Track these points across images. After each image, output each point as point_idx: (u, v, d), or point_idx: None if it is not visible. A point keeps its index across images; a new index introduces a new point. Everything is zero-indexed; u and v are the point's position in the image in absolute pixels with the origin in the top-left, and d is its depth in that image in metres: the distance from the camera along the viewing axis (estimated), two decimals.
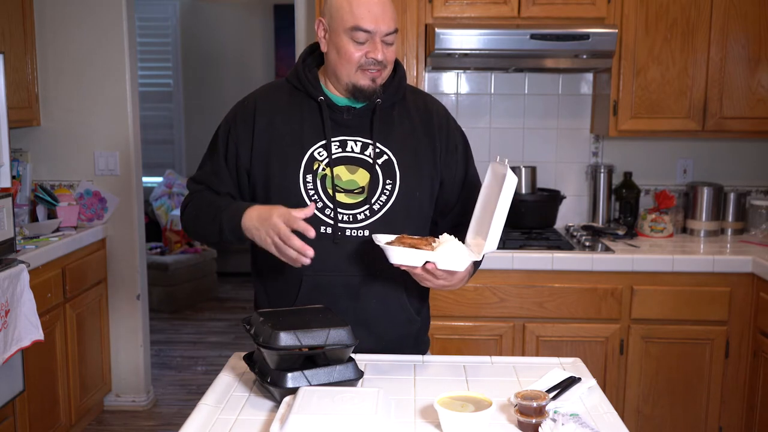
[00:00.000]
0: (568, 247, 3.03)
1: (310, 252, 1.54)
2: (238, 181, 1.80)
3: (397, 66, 1.82)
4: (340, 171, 1.73)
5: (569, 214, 3.53)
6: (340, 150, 1.74)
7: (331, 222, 1.72)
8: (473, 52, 2.97)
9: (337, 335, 1.49)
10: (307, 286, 1.74)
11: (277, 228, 1.57)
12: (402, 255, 1.55)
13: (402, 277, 1.73)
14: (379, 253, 1.65)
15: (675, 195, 3.39)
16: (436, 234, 1.75)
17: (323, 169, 1.72)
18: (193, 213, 1.80)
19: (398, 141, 1.76)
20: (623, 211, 3.44)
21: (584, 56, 3.02)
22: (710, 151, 3.49)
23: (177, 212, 6.12)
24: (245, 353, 1.67)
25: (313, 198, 1.72)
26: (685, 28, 3.10)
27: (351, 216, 1.72)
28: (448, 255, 1.55)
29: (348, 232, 1.72)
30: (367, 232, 1.72)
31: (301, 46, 3.72)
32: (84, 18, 3.55)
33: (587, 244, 3.10)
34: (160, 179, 6.61)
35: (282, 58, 6.96)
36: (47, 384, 3.10)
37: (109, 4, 3.54)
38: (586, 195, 3.53)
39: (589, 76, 3.45)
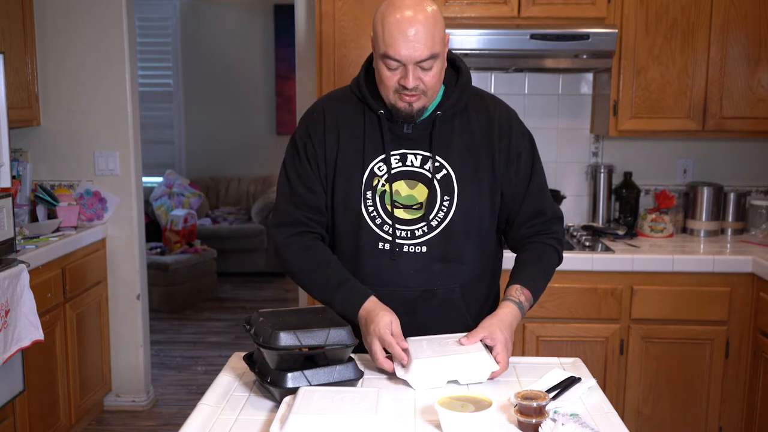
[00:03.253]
0: (568, 247, 3.03)
1: (404, 359, 1.57)
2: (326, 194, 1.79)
3: (460, 74, 1.77)
4: (400, 186, 1.73)
5: (569, 214, 3.53)
6: (400, 164, 1.73)
7: (390, 238, 1.72)
8: (473, 52, 2.97)
9: (337, 335, 1.49)
10: None
11: (377, 346, 1.61)
12: (422, 381, 1.54)
13: (461, 292, 1.75)
14: (438, 268, 1.71)
15: (675, 195, 3.39)
16: (508, 244, 1.82)
17: (382, 185, 1.72)
18: (301, 271, 1.77)
19: (457, 154, 1.73)
20: (623, 211, 3.44)
21: (584, 56, 3.02)
22: (710, 151, 3.49)
23: (177, 212, 6.13)
24: (245, 353, 1.67)
25: (371, 214, 1.72)
26: (685, 28, 3.10)
27: (409, 232, 1.72)
28: (468, 370, 1.55)
29: (406, 248, 1.72)
30: (425, 248, 1.72)
31: (301, 46, 3.72)
32: (84, 18, 3.55)
33: (587, 244, 3.10)
34: (160, 179, 6.61)
35: (282, 58, 6.96)
36: (47, 384, 3.10)
37: (109, 4, 3.54)
38: (586, 195, 3.54)
39: (589, 76, 3.45)
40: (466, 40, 2.95)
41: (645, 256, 2.95)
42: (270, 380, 1.47)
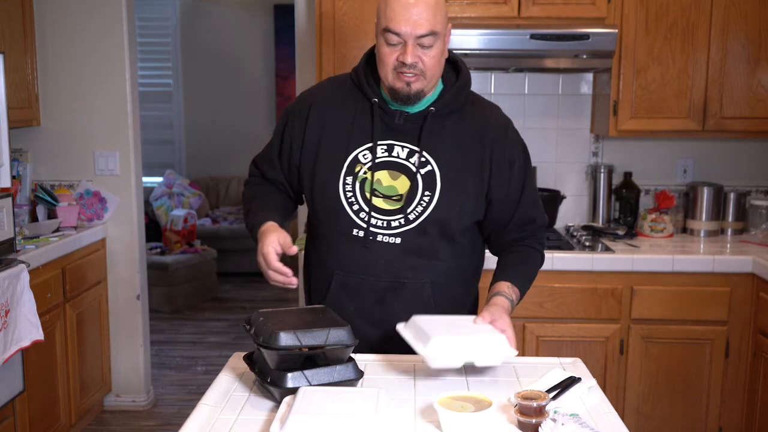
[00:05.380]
0: (568, 247, 3.03)
1: (294, 281, 1.60)
2: (289, 174, 1.84)
3: (460, 74, 1.77)
4: (382, 176, 1.72)
5: (569, 214, 3.53)
6: (386, 154, 1.72)
7: (364, 225, 1.72)
8: (473, 52, 2.97)
9: (337, 335, 1.48)
10: (336, 285, 1.76)
11: (259, 259, 1.65)
12: (441, 358, 1.54)
13: (432, 289, 1.74)
14: (410, 262, 1.70)
15: (675, 195, 3.39)
16: (490, 249, 1.84)
17: (365, 173, 1.72)
18: (244, 204, 1.92)
19: (445, 152, 1.72)
20: (623, 211, 3.44)
21: (584, 56, 3.02)
22: (710, 151, 3.49)
23: (177, 212, 6.14)
24: (245, 353, 1.67)
25: (350, 200, 1.72)
26: (685, 28, 3.10)
27: (385, 222, 1.72)
28: (486, 352, 1.56)
29: (380, 238, 1.72)
30: (399, 240, 1.71)
31: (301, 46, 3.72)
32: (84, 18, 3.55)
33: (587, 244, 3.10)
34: (160, 179, 6.61)
35: (282, 58, 6.96)
36: (47, 384, 3.10)
37: (109, 4, 3.54)
38: (586, 195, 3.54)
39: (589, 76, 3.45)
40: (466, 40, 2.95)
41: (645, 256, 2.95)
42: (270, 380, 1.47)
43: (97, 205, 3.63)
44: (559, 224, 3.49)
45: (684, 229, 3.43)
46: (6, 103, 2.81)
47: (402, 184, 1.71)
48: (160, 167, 6.79)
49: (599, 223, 3.44)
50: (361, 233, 1.72)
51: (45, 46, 3.56)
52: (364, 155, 1.73)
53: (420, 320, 1.62)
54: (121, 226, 3.69)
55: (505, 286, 1.73)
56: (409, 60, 1.63)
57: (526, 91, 3.48)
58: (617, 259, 2.94)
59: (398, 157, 1.72)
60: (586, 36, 2.95)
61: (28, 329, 2.73)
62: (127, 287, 3.74)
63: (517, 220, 1.79)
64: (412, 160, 1.72)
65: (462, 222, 1.75)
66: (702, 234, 3.36)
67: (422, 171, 1.71)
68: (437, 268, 1.75)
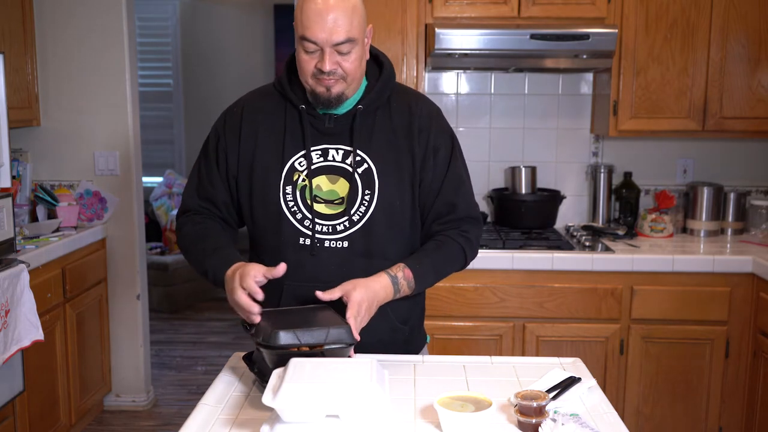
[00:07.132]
0: (568, 247, 3.03)
1: (256, 311, 1.53)
2: (230, 190, 1.80)
3: (383, 69, 1.76)
4: (321, 181, 1.71)
5: (569, 214, 3.53)
6: (321, 159, 1.71)
7: (309, 233, 1.70)
8: (473, 52, 2.98)
9: (336, 334, 1.48)
10: (288, 295, 1.73)
11: (232, 285, 1.58)
12: (293, 408, 1.28)
13: None
14: (360, 264, 1.67)
15: (675, 195, 3.39)
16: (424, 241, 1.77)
17: (303, 180, 1.70)
18: (187, 244, 1.79)
19: (378, 148, 1.71)
20: (623, 211, 3.44)
21: (584, 56, 3.02)
22: (710, 151, 3.49)
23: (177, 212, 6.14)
24: (245, 353, 1.67)
25: (292, 210, 1.70)
26: (685, 28, 3.10)
27: (330, 227, 1.70)
28: (351, 403, 1.30)
29: (327, 243, 1.70)
30: (346, 243, 1.70)
31: None
32: (84, 18, 3.55)
33: (587, 244, 3.10)
34: (160, 179, 6.61)
35: (282, 58, 6.96)
36: (47, 384, 3.10)
37: (109, 4, 3.54)
38: (586, 195, 3.54)
39: (589, 76, 3.45)
40: (466, 40, 2.95)
41: (645, 256, 2.95)
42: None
43: (97, 205, 3.63)
44: (559, 224, 3.49)
45: (684, 229, 3.43)
46: (6, 103, 2.81)
47: (342, 187, 1.70)
48: (160, 167, 6.78)
49: (599, 223, 3.44)
50: (308, 241, 1.70)
51: (45, 46, 3.56)
52: (299, 163, 1.71)
53: (292, 363, 1.40)
54: (121, 226, 3.69)
55: (396, 266, 1.67)
56: (327, 68, 1.61)
57: (526, 91, 3.48)
58: (617, 259, 2.94)
59: (334, 160, 1.71)
60: (586, 36, 2.95)
61: (28, 329, 2.73)
62: (127, 287, 3.74)
63: (437, 209, 1.76)
64: (348, 161, 1.70)
65: (405, 216, 1.73)
66: (702, 234, 3.36)
67: (359, 170, 1.70)
68: (387, 267, 1.71)
